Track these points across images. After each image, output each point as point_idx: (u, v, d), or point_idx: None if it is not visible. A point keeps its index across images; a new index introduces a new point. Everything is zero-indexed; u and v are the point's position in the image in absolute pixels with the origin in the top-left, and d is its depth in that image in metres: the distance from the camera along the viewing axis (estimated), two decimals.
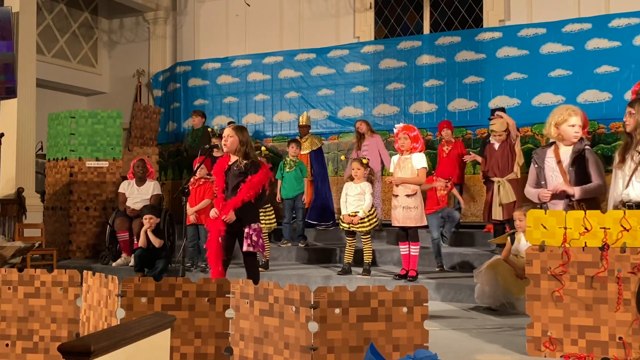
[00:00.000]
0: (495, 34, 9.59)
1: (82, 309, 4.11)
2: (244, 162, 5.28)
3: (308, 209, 9.15)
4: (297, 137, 9.25)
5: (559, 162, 4.65)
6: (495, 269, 5.84)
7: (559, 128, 4.64)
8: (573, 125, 4.61)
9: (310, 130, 9.49)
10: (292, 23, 11.07)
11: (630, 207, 4.17)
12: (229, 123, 8.47)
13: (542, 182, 4.69)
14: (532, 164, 4.86)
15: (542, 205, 4.61)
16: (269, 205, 7.53)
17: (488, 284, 5.82)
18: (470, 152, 8.20)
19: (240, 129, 5.41)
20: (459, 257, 7.38)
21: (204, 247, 5.56)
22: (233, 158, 5.35)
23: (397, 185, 6.51)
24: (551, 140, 4.82)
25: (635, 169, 4.22)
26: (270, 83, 11.07)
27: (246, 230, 5.23)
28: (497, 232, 7.33)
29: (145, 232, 7.19)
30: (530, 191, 4.81)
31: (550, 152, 4.74)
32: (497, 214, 7.07)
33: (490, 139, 7.58)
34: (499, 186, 7.14)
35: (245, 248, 5.24)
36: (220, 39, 11.61)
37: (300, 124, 9.36)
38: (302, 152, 9.04)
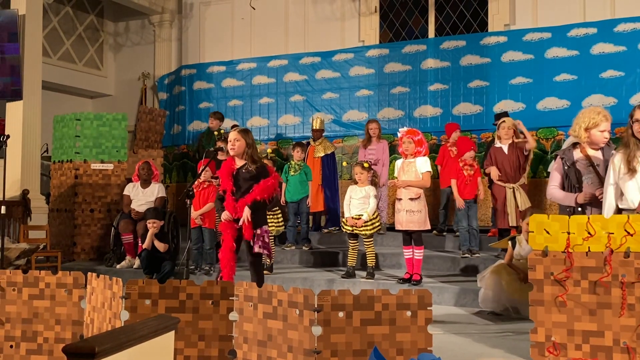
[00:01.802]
0: (501, 38, 9.58)
1: (87, 311, 4.12)
2: (254, 166, 5.30)
3: (319, 214, 9.13)
4: (310, 141, 9.24)
5: (591, 165, 4.62)
6: (499, 273, 5.83)
7: (588, 132, 4.62)
8: (603, 131, 4.61)
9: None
10: (297, 26, 11.08)
11: None
12: (233, 126, 8.46)
13: (576, 185, 4.65)
14: (557, 165, 4.78)
15: (575, 209, 4.55)
16: (277, 208, 7.54)
17: (492, 288, 5.82)
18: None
19: (245, 132, 5.43)
20: (463, 262, 7.37)
21: (219, 254, 5.54)
22: (239, 161, 5.36)
23: (399, 187, 6.51)
24: (574, 141, 4.79)
25: None
26: (275, 86, 11.09)
27: (257, 232, 5.26)
28: (503, 236, 7.30)
29: (152, 236, 7.20)
30: (558, 195, 4.71)
31: (578, 154, 4.70)
32: (514, 220, 7.02)
33: (497, 142, 7.44)
34: (513, 192, 7.06)
35: (256, 250, 5.27)
36: (226, 42, 11.64)
37: (314, 128, 9.32)
38: (315, 156, 9.04)
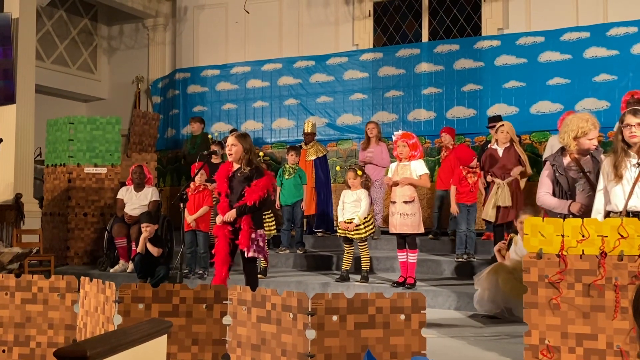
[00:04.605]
0: (494, 42, 9.61)
1: (79, 315, 4.11)
2: (248, 168, 5.31)
3: (314, 217, 9.13)
4: (302, 144, 9.24)
5: (582, 171, 4.61)
6: (496, 273, 5.83)
7: (577, 140, 4.61)
8: (592, 139, 4.59)
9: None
10: (291, 30, 11.09)
11: (636, 217, 4.15)
12: (231, 131, 8.46)
13: (568, 192, 4.64)
14: (547, 172, 4.79)
15: (565, 216, 4.53)
16: (269, 212, 7.53)
17: (488, 288, 5.81)
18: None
19: (243, 137, 5.43)
20: (457, 265, 7.37)
21: (212, 252, 5.56)
22: (236, 165, 5.38)
23: (402, 185, 6.50)
24: (561, 145, 4.79)
25: (637, 179, 4.20)
26: (269, 90, 11.08)
27: (252, 236, 5.24)
28: (497, 237, 7.28)
29: (145, 240, 7.18)
30: (550, 202, 4.69)
31: (568, 160, 4.69)
32: (488, 215, 7.02)
33: (494, 144, 7.44)
34: (497, 188, 7.07)
35: (250, 254, 5.23)
36: (220, 46, 11.63)
37: (306, 131, 9.31)
38: (307, 159, 9.03)
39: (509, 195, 7.00)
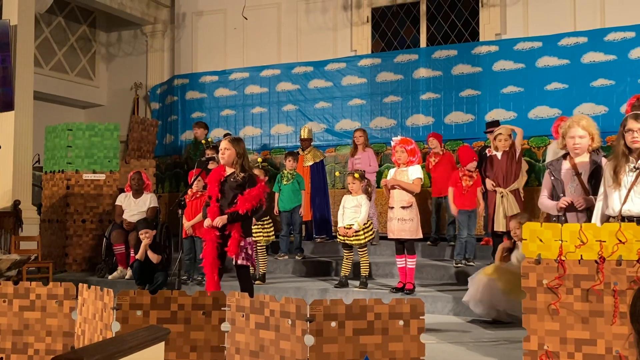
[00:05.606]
0: (492, 48, 9.63)
1: (78, 322, 4.10)
2: (241, 174, 5.28)
3: (311, 223, 9.13)
4: (299, 150, 9.25)
5: (576, 174, 4.62)
6: (493, 273, 5.82)
7: (565, 139, 4.65)
8: (572, 137, 4.60)
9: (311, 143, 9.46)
10: (289, 36, 11.11)
11: (631, 221, 4.15)
12: (225, 135, 8.47)
13: (561, 195, 4.65)
14: (546, 176, 4.81)
15: (559, 217, 4.56)
16: (268, 218, 7.52)
17: (484, 287, 5.78)
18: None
19: (236, 141, 5.42)
20: (456, 270, 7.36)
21: (200, 256, 5.56)
22: (229, 170, 5.36)
23: (389, 188, 6.50)
24: (564, 151, 4.81)
25: (633, 184, 4.20)
26: (267, 96, 11.09)
27: (241, 243, 5.23)
28: (496, 244, 7.28)
29: (146, 247, 7.16)
30: (546, 203, 4.74)
31: (565, 163, 4.70)
32: (500, 226, 7.01)
33: (493, 150, 7.45)
34: (502, 197, 7.06)
35: (239, 261, 5.23)
36: (218, 52, 11.65)
37: (302, 137, 9.33)
38: (304, 165, 9.04)
39: (515, 204, 7.00)
